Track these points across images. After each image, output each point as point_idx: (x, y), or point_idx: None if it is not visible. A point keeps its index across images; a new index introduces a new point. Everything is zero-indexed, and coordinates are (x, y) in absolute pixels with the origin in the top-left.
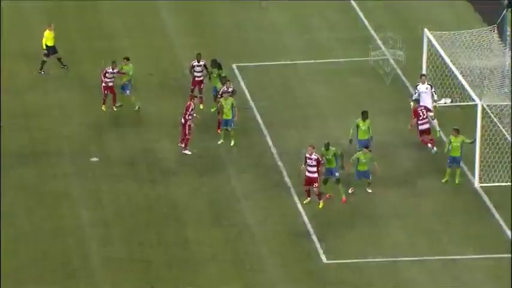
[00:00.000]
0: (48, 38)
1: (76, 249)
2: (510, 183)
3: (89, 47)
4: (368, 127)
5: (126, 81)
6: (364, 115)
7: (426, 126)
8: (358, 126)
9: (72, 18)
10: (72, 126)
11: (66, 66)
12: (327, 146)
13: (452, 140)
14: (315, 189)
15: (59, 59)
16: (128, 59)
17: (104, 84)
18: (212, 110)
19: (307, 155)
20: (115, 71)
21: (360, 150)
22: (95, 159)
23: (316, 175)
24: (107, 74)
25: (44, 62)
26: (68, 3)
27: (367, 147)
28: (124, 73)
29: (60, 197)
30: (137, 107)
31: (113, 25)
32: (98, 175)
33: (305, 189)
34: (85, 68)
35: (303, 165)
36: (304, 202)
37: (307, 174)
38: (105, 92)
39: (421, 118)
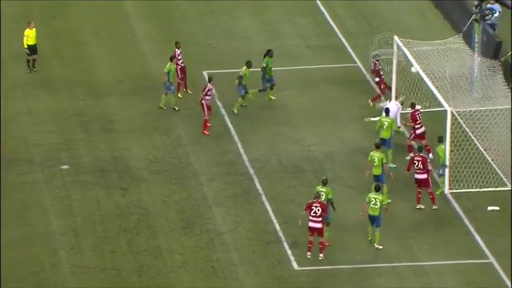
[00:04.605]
0: (28, 36)
1: (46, 258)
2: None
3: (57, 53)
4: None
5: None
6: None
7: (422, 129)
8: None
9: (40, 23)
10: (41, 133)
11: (35, 69)
12: (324, 182)
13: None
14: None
15: (34, 61)
16: (171, 59)
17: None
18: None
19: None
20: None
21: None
22: (65, 166)
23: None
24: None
25: (28, 61)
26: (36, 8)
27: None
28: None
29: (30, 205)
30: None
31: (82, 31)
32: (68, 183)
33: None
34: (54, 74)
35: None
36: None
37: (311, 224)
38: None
39: (418, 122)
